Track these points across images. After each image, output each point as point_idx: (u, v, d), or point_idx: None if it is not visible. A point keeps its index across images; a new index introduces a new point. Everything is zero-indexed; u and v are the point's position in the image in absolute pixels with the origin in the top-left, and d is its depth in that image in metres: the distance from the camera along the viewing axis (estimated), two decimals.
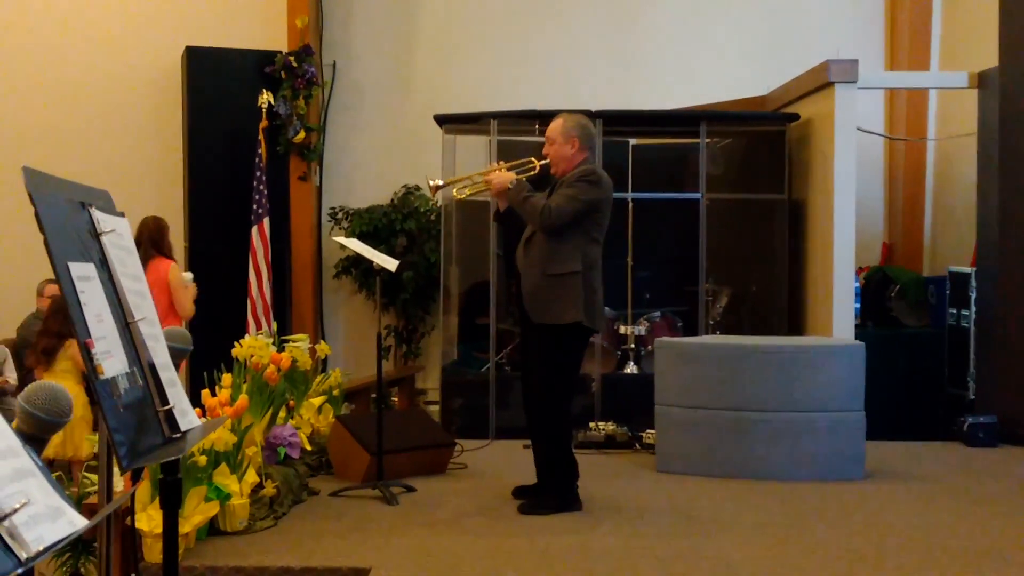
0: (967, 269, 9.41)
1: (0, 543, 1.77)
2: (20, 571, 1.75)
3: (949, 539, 5.64)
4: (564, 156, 6.26)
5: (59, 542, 1.90)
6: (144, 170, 10.66)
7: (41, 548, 1.83)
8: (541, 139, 6.48)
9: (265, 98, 10.02)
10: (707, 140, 9.74)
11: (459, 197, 6.91)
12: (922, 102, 11.08)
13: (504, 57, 11.07)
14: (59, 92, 10.72)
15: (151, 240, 7.62)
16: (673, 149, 10.58)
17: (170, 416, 2.88)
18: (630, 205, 9.61)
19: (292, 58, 10.21)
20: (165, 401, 2.87)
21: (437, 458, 7.32)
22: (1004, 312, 8.84)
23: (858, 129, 9.32)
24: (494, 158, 9.00)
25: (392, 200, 10.71)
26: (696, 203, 9.59)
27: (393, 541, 5.54)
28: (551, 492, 6.21)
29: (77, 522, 1.99)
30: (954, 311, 9.57)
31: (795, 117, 9.74)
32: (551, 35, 11.10)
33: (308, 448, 6.97)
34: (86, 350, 2.50)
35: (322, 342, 9.06)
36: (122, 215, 3.07)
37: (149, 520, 5.06)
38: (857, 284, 9.41)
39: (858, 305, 9.35)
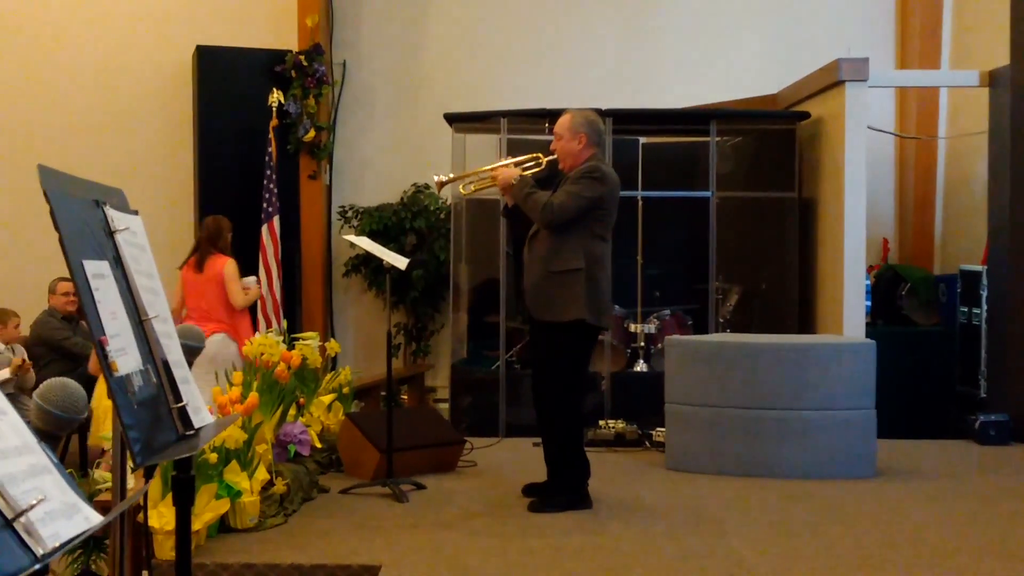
0: (978, 267, 9.39)
1: (17, 539, 1.78)
2: (37, 567, 1.76)
3: (960, 537, 5.63)
4: (571, 152, 6.25)
5: (75, 538, 1.91)
6: (155, 168, 10.68)
7: (57, 544, 1.84)
8: (551, 137, 6.48)
9: (275, 97, 10.04)
10: (717, 139, 9.73)
11: (465, 193, 6.91)
12: (933, 100, 11.06)
13: (514, 55, 11.07)
14: (71, 91, 10.75)
15: (209, 239, 8.24)
16: (683, 148, 10.56)
17: (183, 413, 2.88)
18: (640, 204, 9.61)
19: (302, 57, 10.23)
20: (178, 398, 2.88)
21: (447, 456, 7.32)
22: (1015, 310, 8.82)
23: (869, 128, 9.31)
24: (504, 157, 8.99)
25: (402, 198, 10.72)
26: (706, 201, 9.58)
27: (403, 538, 5.54)
28: (561, 490, 6.21)
29: (92, 518, 2.00)
30: (965, 309, 9.55)
31: (806, 116, 9.73)
32: (561, 33, 11.10)
33: (318, 446, 6.97)
34: (100, 347, 2.50)
35: (332, 340, 9.08)
36: (136, 213, 3.08)
37: (160, 517, 5.07)
38: (868, 282, 9.40)
39: (869, 303, 9.34)
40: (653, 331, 9.48)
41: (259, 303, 9.45)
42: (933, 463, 7.73)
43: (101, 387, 6.75)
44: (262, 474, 5.83)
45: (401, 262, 6.80)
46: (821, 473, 7.06)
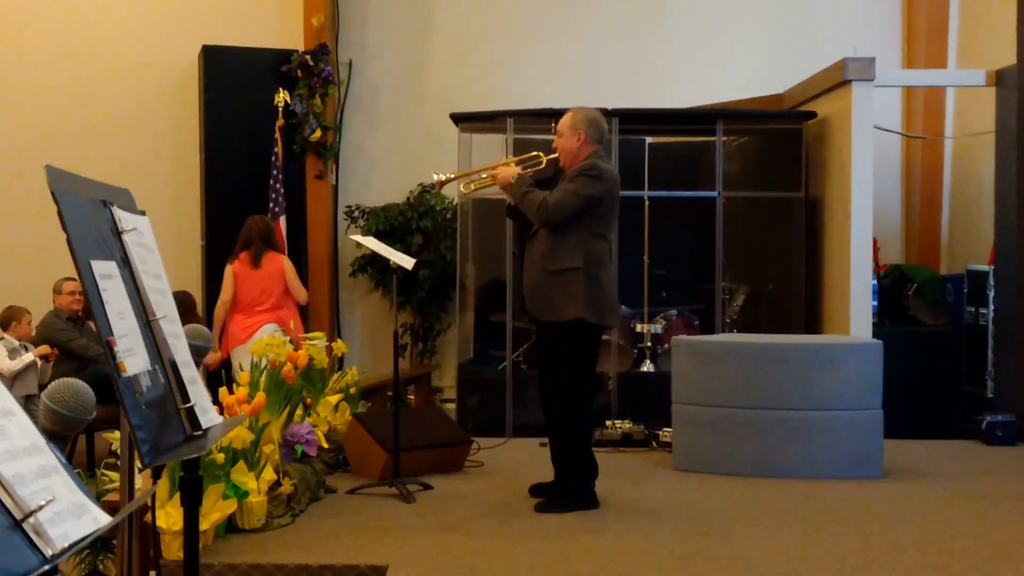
0: (985, 267, 9.37)
1: (26, 540, 1.78)
2: (46, 568, 1.76)
3: (967, 538, 5.62)
4: (570, 150, 6.24)
5: (84, 539, 1.91)
6: (161, 168, 10.69)
7: (66, 545, 1.84)
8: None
9: (281, 97, 10.04)
10: (723, 138, 9.72)
11: (467, 192, 6.92)
12: (939, 100, 11.04)
13: (520, 55, 11.06)
14: (77, 91, 10.76)
15: (262, 237, 8.58)
16: (689, 147, 10.55)
17: (191, 413, 2.88)
18: (646, 203, 9.61)
19: (308, 57, 10.23)
20: (186, 399, 2.88)
21: (454, 456, 7.32)
22: (1022, 310, 8.80)
23: (875, 127, 9.30)
24: (509, 156, 8.99)
25: (408, 198, 10.71)
26: (712, 201, 9.57)
27: (410, 539, 5.54)
28: (568, 490, 6.21)
29: (101, 519, 2.00)
30: (972, 309, 9.53)
31: (812, 115, 9.72)
32: (568, 33, 11.09)
33: (325, 446, 6.98)
34: (108, 348, 2.50)
35: (339, 340, 9.08)
36: (143, 213, 3.08)
37: (167, 517, 5.08)
38: (874, 282, 9.38)
39: (875, 303, 9.33)
40: (660, 331, 9.47)
41: None
42: (940, 463, 7.72)
43: None
44: (269, 474, 5.84)
45: (408, 262, 6.80)
46: (828, 473, 7.05)
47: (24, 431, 1.95)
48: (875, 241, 10.60)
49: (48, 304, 8.54)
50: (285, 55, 10.30)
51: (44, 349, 7.91)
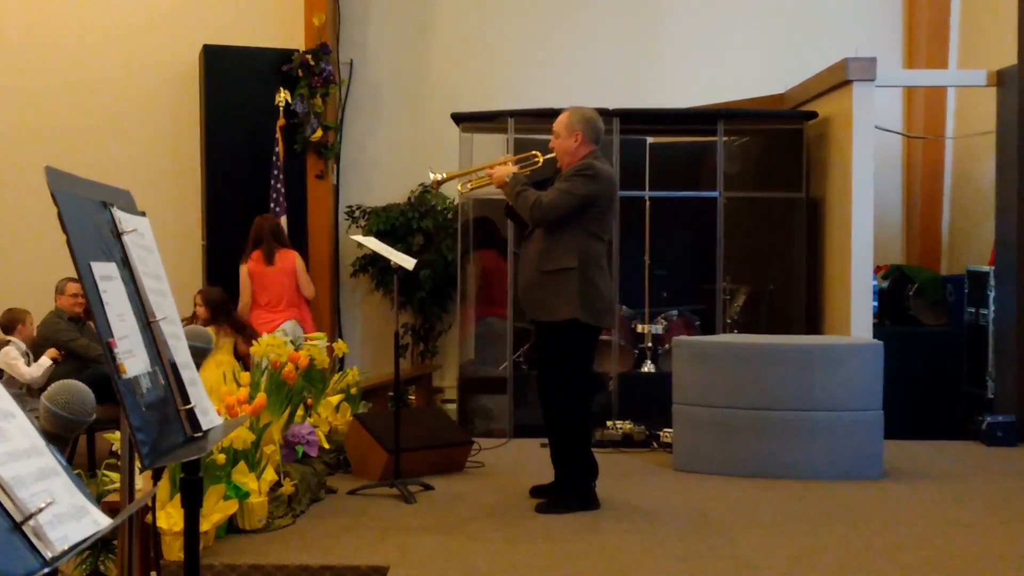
0: (985, 268, 9.37)
1: (25, 542, 1.78)
2: (46, 570, 1.76)
3: (967, 539, 5.62)
4: (567, 150, 6.23)
5: (84, 541, 1.91)
6: (162, 168, 10.70)
7: (66, 547, 1.84)
8: None
9: (282, 96, 10.05)
10: (725, 138, 9.72)
11: (464, 191, 6.92)
12: (940, 100, 11.03)
13: (522, 55, 11.06)
14: (78, 91, 10.76)
15: (272, 235, 8.97)
16: (691, 147, 10.55)
17: (191, 415, 2.88)
18: (647, 204, 9.61)
19: (309, 56, 10.23)
20: (187, 400, 2.88)
21: (455, 456, 7.32)
22: (1023, 311, 8.80)
23: (876, 127, 9.29)
24: (508, 155, 8.99)
25: (409, 198, 10.71)
26: (713, 201, 9.57)
27: (411, 539, 5.55)
28: (569, 491, 6.21)
29: (101, 521, 2.00)
30: (972, 310, 9.53)
31: (813, 115, 9.72)
32: (569, 33, 11.09)
33: (326, 446, 6.98)
34: (108, 349, 2.50)
35: (339, 340, 9.09)
36: (143, 214, 3.07)
37: (168, 518, 5.08)
38: (875, 282, 9.38)
39: (876, 304, 9.33)
40: (660, 331, 9.47)
41: None
42: (940, 464, 7.71)
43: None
44: (270, 475, 5.84)
45: (408, 262, 6.80)
46: (828, 474, 7.05)
47: (24, 433, 1.95)
48: None
49: (48, 305, 8.53)
50: (286, 55, 10.30)
51: (54, 352, 7.92)
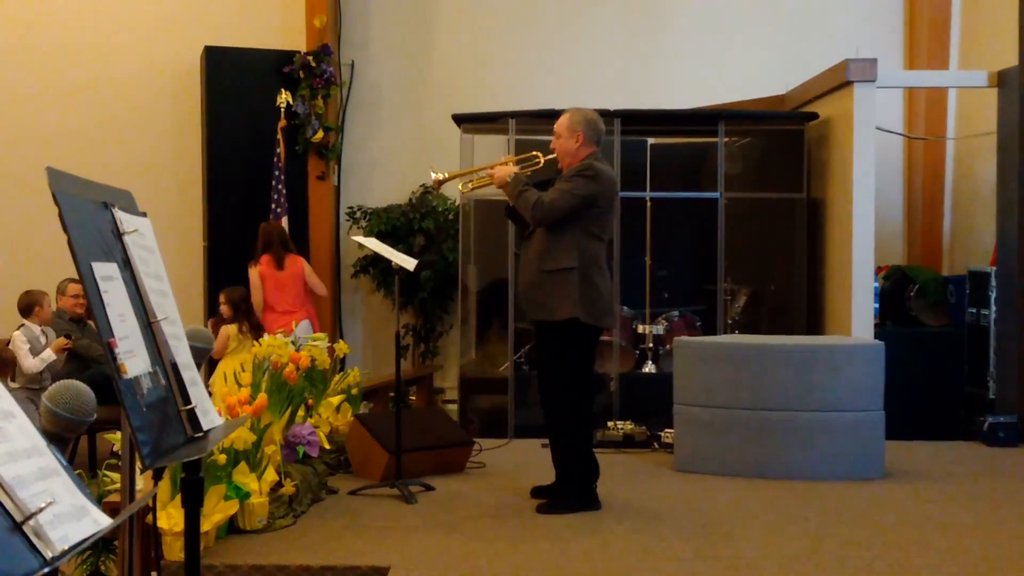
0: (987, 268, 9.37)
1: (26, 542, 1.78)
2: (46, 570, 1.76)
3: (969, 539, 5.62)
4: (568, 151, 6.24)
5: (84, 541, 1.92)
6: (163, 169, 10.71)
7: (66, 547, 1.84)
8: None
9: (284, 97, 10.06)
10: (725, 139, 9.73)
11: (465, 191, 6.92)
12: (941, 101, 11.03)
13: (522, 56, 11.06)
14: (79, 92, 10.77)
15: (281, 241, 9.32)
16: (692, 148, 10.55)
17: (192, 415, 2.88)
18: (648, 204, 9.61)
19: (310, 58, 10.24)
20: (187, 400, 2.88)
21: (456, 457, 7.32)
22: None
23: (877, 128, 9.29)
24: (509, 156, 8.99)
25: (410, 199, 10.72)
26: (714, 202, 9.57)
27: (412, 540, 5.55)
28: (569, 492, 6.21)
29: (101, 521, 2.01)
30: (973, 310, 9.53)
31: (814, 116, 9.72)
32: (570, 34, 11.09)
33: (327, 447, 6.98)
34: (109, 349, 2.51)
35: (340, 341, 9.10)
36: (144, 215, 3.08)
37: (169, 519, 5.08)
38: (876, 283, 9.38)
39: (877, 304, 9.32)
40: (661, 332, 9.48)
41: None
42: (941, 465, 7.71)
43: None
44: (271, 475, 5.84)
45: (409, 263, 6.80)
46: (829, 475, 7.04)
47: (24, 433, 1.95)
48: None
49: (52, 304, 8.54)
50: (287, 56, 10.31)
51: (62, 342, 7.93)
